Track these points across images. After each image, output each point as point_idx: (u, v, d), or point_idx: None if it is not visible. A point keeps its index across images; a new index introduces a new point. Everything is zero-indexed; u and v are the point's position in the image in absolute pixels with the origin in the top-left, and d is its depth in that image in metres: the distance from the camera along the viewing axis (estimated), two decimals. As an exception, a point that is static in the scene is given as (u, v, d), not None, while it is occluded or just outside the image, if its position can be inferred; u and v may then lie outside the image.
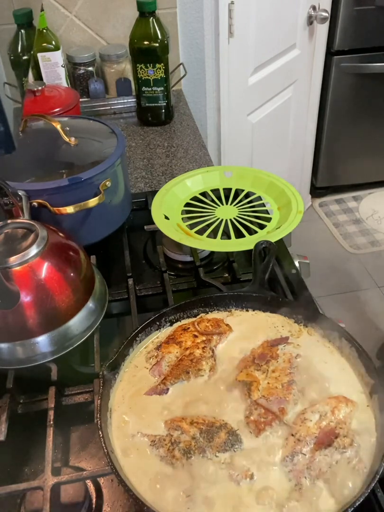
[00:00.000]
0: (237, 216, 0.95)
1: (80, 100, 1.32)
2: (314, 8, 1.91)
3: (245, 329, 0.71)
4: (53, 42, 1.34)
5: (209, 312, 0.74)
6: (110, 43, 1.48)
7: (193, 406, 0.61)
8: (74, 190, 0.81)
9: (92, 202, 0.81)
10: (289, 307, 0.72)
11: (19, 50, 1.29)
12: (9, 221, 0.70)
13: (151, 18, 1.25)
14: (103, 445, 0.55)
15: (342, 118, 2.38)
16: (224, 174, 1.04)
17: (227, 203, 0.99)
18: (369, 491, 0.51)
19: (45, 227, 0.70)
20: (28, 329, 0.66)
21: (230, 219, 0.94)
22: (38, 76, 1.37)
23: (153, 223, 0.91)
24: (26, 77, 1.32)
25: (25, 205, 0.76)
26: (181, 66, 1.50)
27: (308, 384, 0.62)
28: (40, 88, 1.21)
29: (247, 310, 0.74)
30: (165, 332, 0.71)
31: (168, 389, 0.63)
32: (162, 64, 1.31)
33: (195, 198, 1.00)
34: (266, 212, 0.96)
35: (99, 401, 0.59)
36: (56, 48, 1.34)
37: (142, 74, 1.32)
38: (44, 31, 1.33)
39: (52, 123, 0.86)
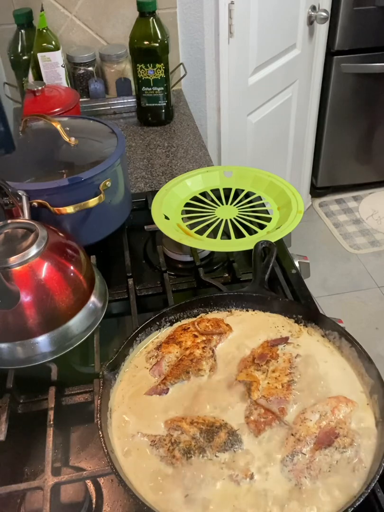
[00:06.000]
0: (237, 216, 0.95)
1: (80, 100, 1.32)
2: (314, 8, 1.91)
3: (245, 329, 0.71)
4: (53, 42, 1.34)
5: (209, 312, 0.74)
6: (110, 43, 1.48)
7: (193, 406, 0.61)
8: (74, 190, 0.81)
9: (92, 202, 0.81)
10: (289, 307, 0.72)
11: (19, 50, 1.29)
12: (9, 221, 0.70)
13: (151, 18, 1.25)
14: (103, 445, 0.55)
15: (342, 118, 2.38)
16: (224, 174, 1.04)
17: (227, 203, 0.99)
18: (369, 491, 0.51)
19: (45, 227, 0.70)
20: (28, 329, 0.66)
21: (230, 219, 0.94)
22: (38, 76, 1.37)
23: (153, 223, 0.91)
24: (26, 77, 1.32)
25: (25, 205, 0.76)
26: (181, 66, 1.50)
27: (308, 384, 0.62)
28: (40, 88, 1.21)
29: (247, 310, 0.74)
30: (165, 332, 0.71)
31: (168, 389, 0.63)
32: (162, 64, 1.31)
33: (195, 198, 1.00)
34: (266, 212, 0.96)
35: (99, 401, 0.59)
36: (56, 48, 1.34)
37: (142, 74, 1.32)
38: (44, 31, 1.32)
39: (52, 123, 0.86)
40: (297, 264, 0.91)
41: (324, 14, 1.90)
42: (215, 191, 1.01)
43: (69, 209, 0.80)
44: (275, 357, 0.65)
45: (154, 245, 0.97)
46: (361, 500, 0.50)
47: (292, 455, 0.55)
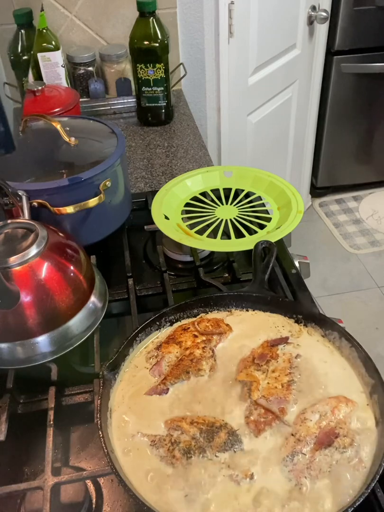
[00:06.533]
0: (237, 216, 0.95)
1: (80, 100, 1.32)
2: (314, 8, 1.91)
3: (245, 329, 0.71)
4: (53, 42, 1.34)
5: (209, 312, 0.74)
6: (110, 43, 1.48)
7: (193, 406, 0.61)
8: (74, 190, 0.81)
9: (92, 202, 0.81)
10: (289, 307, 0.72)
11: (19, 50, 1.29)
12: (9, 221, 0.70)
13: (151, 18, 1.25)
14: (103, 445, 0.55)
15: (342, 118, 2.38)
16: (224, 174, 1.04)
17: (227, 203, 0.99)
18: (369, 491, 0.51)
19: (45, 227, 0.70)
20: (28, 329, 0.66)
21: (230, 219, 0.94)
22: (38, 76, 1.37)
23: (153, 223, 0.91)
24: (26, 77, 1.32)
25: (25, 205, 0.76)
26: (181, 66, 1.50)
27: (308, 384, 0.62)
28: (40, 88, 1.21)
29: (247, 310, 0.74)
30: (165, 332, 0.71)
31: (168, 389, 0.63)
32: (162, 64, 1.31)
33: (195, 198, 1.00)
34: (266, 212, 0.96)
35: (99, 401, 0.59)
36: (56, 48, 1.34)
37: (142, 74, 1.32)
38: (44, 31, 1.32)
39: (52, 123, 0.86)
40: (297, 264, 0.91)
41: (324, 14, 1.90)
42: (215, 191, 1.01)
43: (69, 209, 0.80)
44: (275, 357, 0.65)
45: (154, 245, 0.97)
46: (361, 500, 0.50)
47: (292, 455, 0.55)
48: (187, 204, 0.98)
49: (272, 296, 0.73)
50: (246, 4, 1.59)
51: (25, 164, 0.86)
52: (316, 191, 2.72)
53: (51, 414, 0.65)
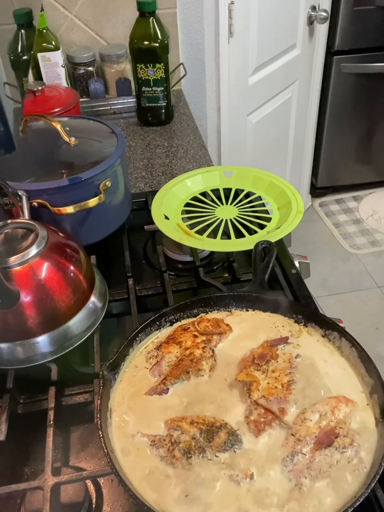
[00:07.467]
0: (237, 216, 0.95)
1: (80, 100, 1.32)
2: (314, 8, 1.91)
3: (245, 329, 0.71)
4: (53, 42, 1.34)
5: (209, 312, 0.74)
6: (110, 43, 1.48)
7: (193, 406, 0.61)
8: (74, 190, 0.81)
9: (92, 202, 0.81)
10: (289, 307, 0.72)
11: (19, 50, 1.29)
12: (9, 221, 0.70)
13: (151, 18, 1.26)
14: (103, 445, 0.55)
15: (342, 118, 2.38)
16: (224, 174, 1.04)
17: (227, 203, 0.99)
18: (369, 491, 0.51)
19: (45, 227, 0.70)
20: (28, 329, 0.66)
21: (230, 219, 0.94)
22: (38, 76, 1.37)
23: (153, 223, 0.91)
24: (26, 77, 1.32)
25: (25, 205, 0.76)
26: (181, 66, 1.50)
27: (308, 384, 0.62)
28: (40, 88, 1.21)
29: (247, 310, 0.74)
30: (165, 332, 0.71)
31: (168, 389, 0.63)
32: (162, 64, 1.31)
33: (195, 198, 1.00)
34: (266, 212, 0.96)
35: (99, 401, 0.59)
36: (56, 48, 1.34)
37: (142, 74, 1.32)
38: (44, 31, 1.33)
39: (52, 123, 0.86)
40: (297, 264, 0.90)
41: (324, 14, 1.90)
42: (215, 191, 1.01)
43: (69, 209, 0.80)
44: (275, 357, 0.65)
45: (154, 245, 0.97)
46: (361, 500, 0.50)
47: (292, 455, 0.55)
48: (187, 204, 0.98)
49: (272, 296, 0.73)
50: (246, 4, 1.59)
51: (25, 164, 0.86)
52: (316, 191, 2.72)
53: (51, 414, 0.65)
